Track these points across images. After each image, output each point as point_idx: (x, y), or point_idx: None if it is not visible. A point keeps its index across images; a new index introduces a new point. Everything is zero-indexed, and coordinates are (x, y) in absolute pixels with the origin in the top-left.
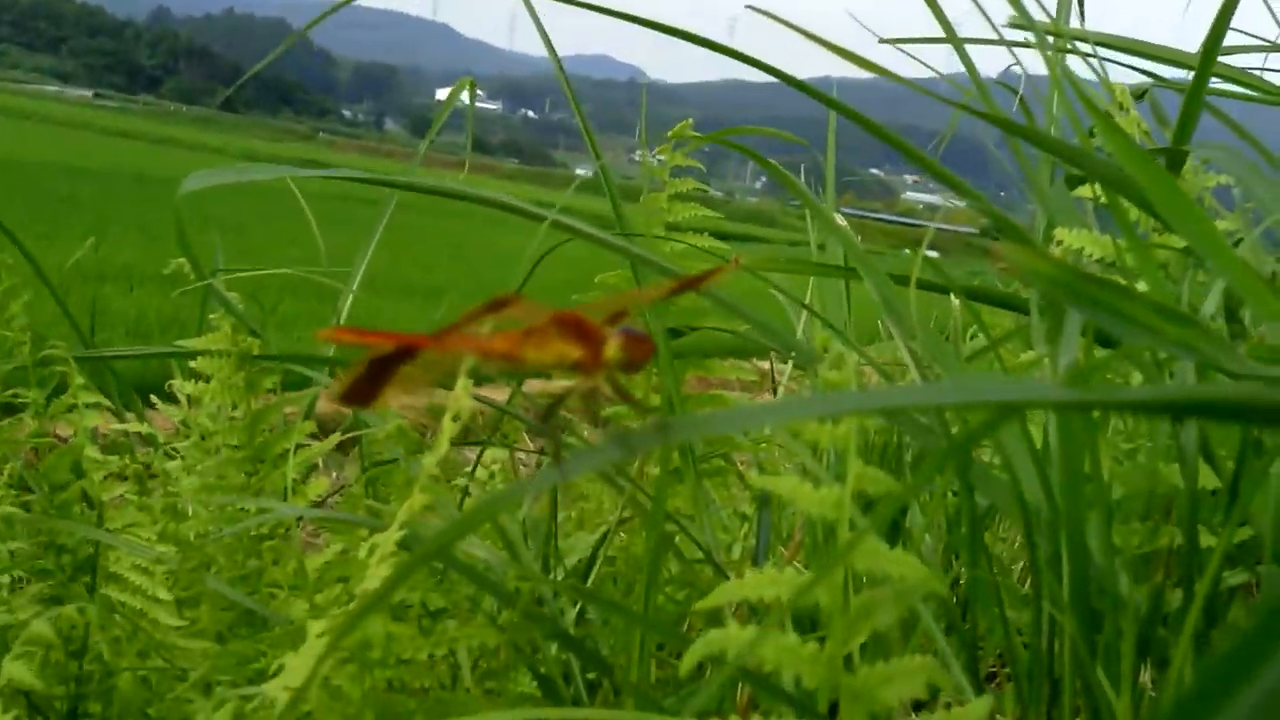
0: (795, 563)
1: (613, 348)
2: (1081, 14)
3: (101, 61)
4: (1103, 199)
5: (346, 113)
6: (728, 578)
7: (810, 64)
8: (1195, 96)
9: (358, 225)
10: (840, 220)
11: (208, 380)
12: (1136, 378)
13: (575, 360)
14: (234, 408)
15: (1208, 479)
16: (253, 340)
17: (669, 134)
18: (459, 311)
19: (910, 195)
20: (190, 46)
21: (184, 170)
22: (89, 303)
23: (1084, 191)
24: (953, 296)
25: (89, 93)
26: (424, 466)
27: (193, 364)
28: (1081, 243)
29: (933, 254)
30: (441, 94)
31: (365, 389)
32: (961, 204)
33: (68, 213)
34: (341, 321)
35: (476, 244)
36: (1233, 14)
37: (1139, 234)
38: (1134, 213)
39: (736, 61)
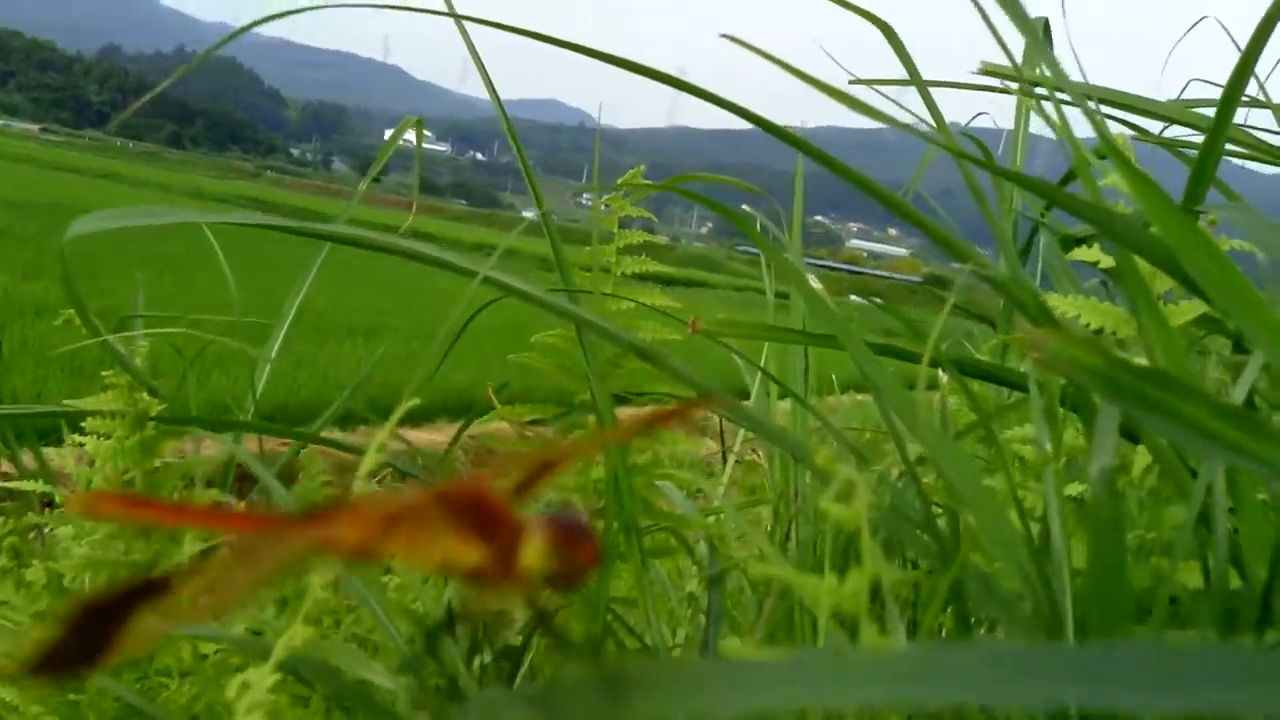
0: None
1: (534, 551)
2: (1079, 65)
3: (49, 96)
4: (1102, 263)
5: (294, 151)
6: None
7: (756, 112)
8: (1210, 153)
9: (302, 263)
10: (814, 282)
11: (105, 439)
12: (1141, 458)
13: (473, 567)
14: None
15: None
16: (150, 400)
17: (619, 181)
18: (399, 351)
19: (855, 243)
20: (140, 83)
21: (129, 205)
22: (16, 338)
23: (1084, 255)
24: (941, 372)
25: (35, 126)
26: (310, 589)
27: (84, 424)
28: (1078, 310)
29: (877, 300)
30: (391, 134)
31: (77, 651)
32: (904, 253)
33: (9, 246)
34: (269, 362)
35: (420, 284)
36: (1255, 63)
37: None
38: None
39: (683, 109)
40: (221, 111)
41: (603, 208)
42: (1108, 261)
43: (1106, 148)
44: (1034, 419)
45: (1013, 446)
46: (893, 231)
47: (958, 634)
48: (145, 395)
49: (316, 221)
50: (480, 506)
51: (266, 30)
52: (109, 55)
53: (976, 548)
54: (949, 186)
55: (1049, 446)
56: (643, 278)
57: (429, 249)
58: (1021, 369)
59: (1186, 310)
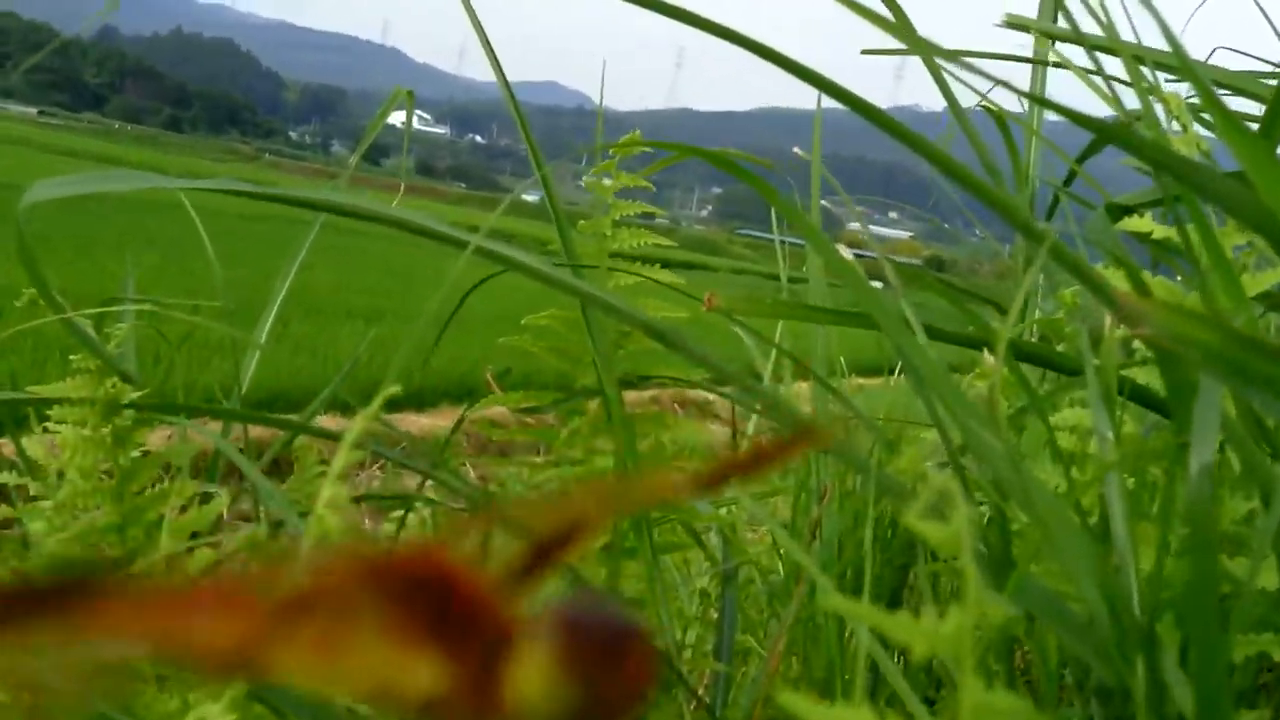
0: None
1: (536, 671)
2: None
3: (46, 78)
4: (1155, 233)
5: (293, 134)
6: (684, 683)
7: (756, 96)
8: None
9: (307, 248)
10: (846, 253)
11: (81, 427)
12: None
13: (431, 696)
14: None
15: None
16: (122, 386)
17: (616, 144)
18: (399, 335)
19: (856, 227)
20: (137, 65)
21: (129, 190)
22: (13, 322)
23: (1134, 225)
24: (985, 352)
25: (33, 109)
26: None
27: (50, 412)
28: (1124, 285)
29: (876, 284)
30: (391, 117)
31: None
32: (905, 235)
33: (6, 231)
34: (259, 348)
35: (423, 269)
36: None
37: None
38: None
39: (683, 91)
40: (220, 94)
41: (604, 179)
42: (1162, 232)
43: (1197, 88)
44: (1091, 406)
45: (1051, 435)
46: (893, 215)
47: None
48: (117, 381)
49: (314, 206)
50: (444, 591)
51: (264, 11)
52: (106, 37)
53: (1035, 553)
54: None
55: (1109, 435)
56: (646, 259)
57: (418, 216)
58: (1064, 349)
59: (1268, 278)
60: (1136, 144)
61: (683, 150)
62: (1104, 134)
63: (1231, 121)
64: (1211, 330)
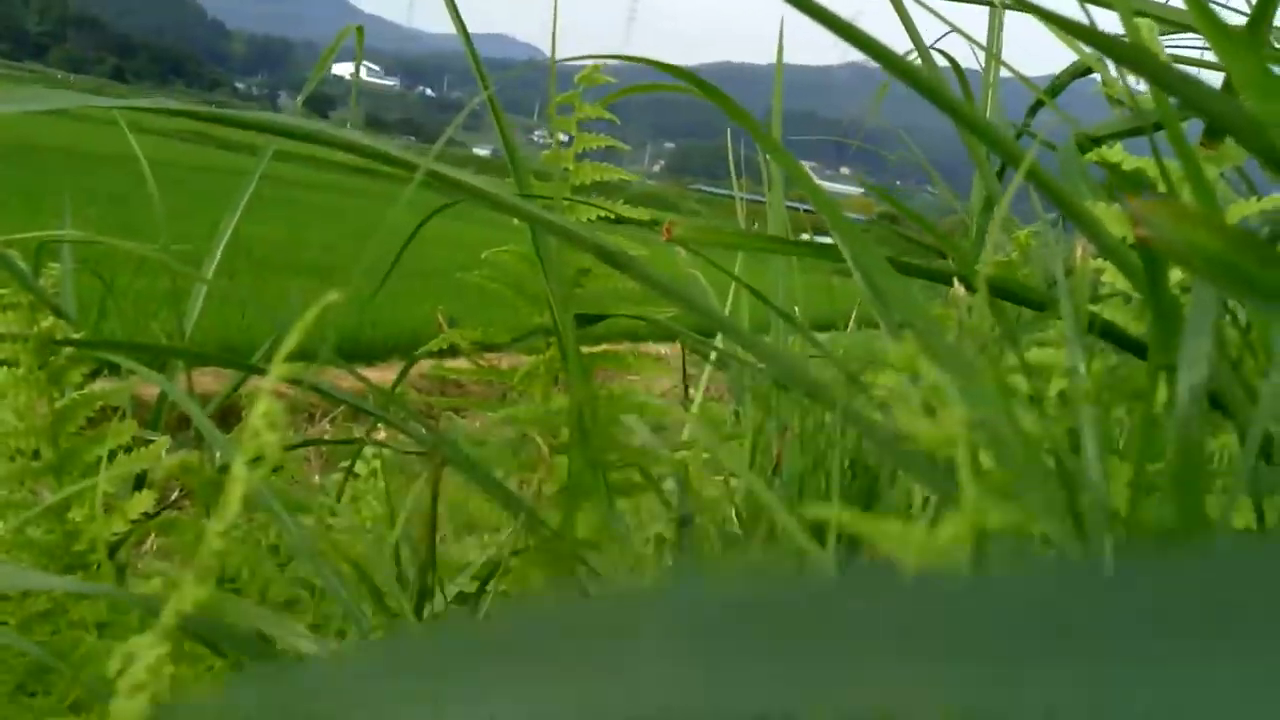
0: None
1: None
2: None
3: None
4: (1125, 164)
5: (239, 86)
6: None
7: (709, 50)
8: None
9: (258, 201)
10: (816, 179)
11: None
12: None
13: None
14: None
15: None
16: (56, 323)
17: (576, 78)
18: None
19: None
20: (80, 15)
21: (71, 139)
22: None
23: (1107, 156)
24: (956, 283)
25: None
26: (206, 540)
27: None
28: (1104, 218)
29: (826, 239)
30: (339, 69)
31: None
32: (858, 191)
33: None
34: (205, 283)
35: (377, 225)
36: None
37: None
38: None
39: (635, 45)
40: (164, 45)
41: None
42: (1133, 163)
43: (1196, 9)
44: (1064, 339)
45: (1010, 375)
46: (845, 170)
47: None
48: (52, 319)
49: (262, 161)
50: None
51: None
52: None
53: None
54: (910, 124)
55: (1081, 369)
56: (610, 192)
57: (363, 138)
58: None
59: (1245, 207)
60: (1129, 52)
61: (647, 63)
62: (1095, 43)
63: (1221, 28)
64: (1214, 234)
